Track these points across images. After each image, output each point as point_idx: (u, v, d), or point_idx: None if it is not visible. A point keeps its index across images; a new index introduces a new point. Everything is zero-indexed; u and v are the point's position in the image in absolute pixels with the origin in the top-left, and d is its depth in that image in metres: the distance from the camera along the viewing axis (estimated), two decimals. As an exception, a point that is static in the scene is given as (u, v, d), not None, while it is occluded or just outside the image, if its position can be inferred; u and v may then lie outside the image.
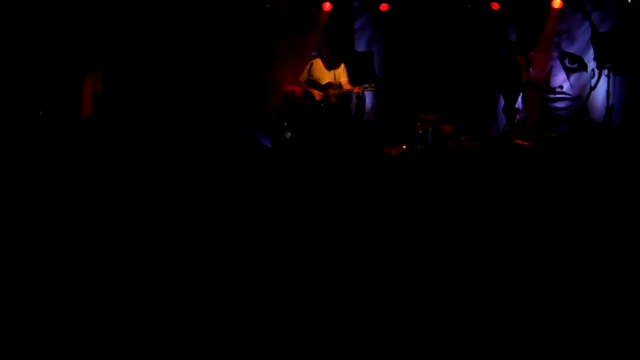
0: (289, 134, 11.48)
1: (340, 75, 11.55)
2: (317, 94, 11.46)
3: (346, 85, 11.46)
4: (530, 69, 12.72)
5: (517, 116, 12.52)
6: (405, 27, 13.37)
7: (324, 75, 11.52)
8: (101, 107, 11.70)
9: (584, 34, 12.87)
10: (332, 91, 11.44)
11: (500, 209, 4.01)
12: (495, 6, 12.94)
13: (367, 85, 11.40)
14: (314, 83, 11.53)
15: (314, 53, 11.78)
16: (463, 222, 3.90)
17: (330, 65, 11.48)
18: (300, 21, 13.68)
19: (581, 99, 12.99)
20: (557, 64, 13.06)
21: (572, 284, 3.44)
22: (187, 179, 4.46)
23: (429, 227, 3.85)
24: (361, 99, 13.07)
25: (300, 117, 11.58)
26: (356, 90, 11.38)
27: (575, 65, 12.97)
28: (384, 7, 13.48)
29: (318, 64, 11.58)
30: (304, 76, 11.66)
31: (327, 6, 13.64)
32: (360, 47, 14.23)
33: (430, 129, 11.40)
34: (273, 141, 11.74)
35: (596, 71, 12.70)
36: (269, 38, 13.65)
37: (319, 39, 12.67)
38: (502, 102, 12.91)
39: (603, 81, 12.34)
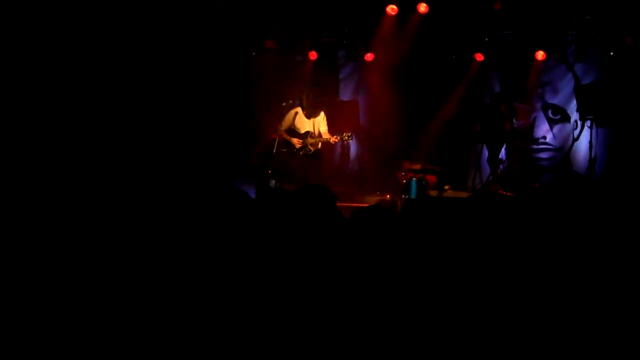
0: (273, 182, 11.46)
1: (320, 124, 11.49)
2: (296, 142, 11.45)
3: (325, 134, 11.38)
4: (514, 120, 12.81)
5: (501, 166, 12.57)
6: (390, 77, 13.46)
7: (304, 124, 11.48)
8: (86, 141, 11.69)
9: (567, 85, 13.00)
10: (310, 140, 11.41)
11: (483, 259, 4.00)
12: (479, 57, 13.06)
13: (345, 135, 11.35)
14: (294, 132, 11.51)
15: (297, 102, 11.78)
16: (446, 272, 3.90)
17: (310, 114, 11.44)
18: (286, 70, 13.75)
19: (564, 150, 13.08)
20: (541, 114, 13.17)
21: (554, 336, 3.44)
22: (169, 229, 4.44)
23: (412, 277, 3.84)
24: (346, 147, 13.14)
25: (284, 166, 11.55)
26: (333, 140, 11.31)
27: (559, 116, 13.08)
28: (369, 57, 13.57)
29: (298, 113, 11.56)
30: (284, 125, 11.65)
31: (313, 55, 13.74)
32: (345, 96, 14.33)
33: (414, 178, 11.41)
34: (257, 189, 11.72)
35: (579, 122, 12.80)
36: (254, 86, 13.71)
37: (304, 88, 12.71)
38: (485, 152, 12.97)
39: (586, 132, 12.44)
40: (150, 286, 3.71)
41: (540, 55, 12.68)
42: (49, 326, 3.39)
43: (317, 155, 11.50)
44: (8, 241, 3.97)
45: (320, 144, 11.38)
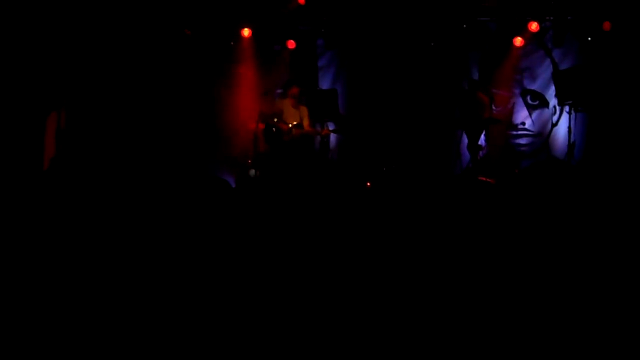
0: (252, 172, 11.45)
1: (304, 115, 11.68)
2: (283, 125, 11.56)
3: (307, 127, 11.56)
4: (493, 106, 12.83)
5: (480, 153, 12.58)
6: (369, 65, 13.44)
7: (290, 113, 11.60)
8: (64, 146, 11.63)
9: (545, 71, 13.02)
10: (295, 131, 11.50)
11: (464, 244, 4.01)
12: (458, 44, 13.07)
13: (325, 130, 11.58)
14: (279, 118, 11.60)
15: (278, 90, 11.82)
16: (427, 256, 3.90)
17: (296, 105, 11.62)
18: (264, 59, 13.71)
19: (543, 136, 13.10)
20: (519, 100, 13.18)
21: (529, 328, 3.45)
22: (150, 218, 4.42)
23: (394, 263, 3.84)
24: (326, 136, 13.13)
25: (264, 156, 11.59)
26: (324, 132, 11.54)
27: (537, 102, 13.10)
28: (347, 45, 13.53)
29: (285, 102, 11.65)
30: (272, 109, 11.75)
31: (291, 44, 13.68)
32: (324, 84, 14.27)
33: (394, 165, 11.43)
34: (237, 179, 11.72)
35: (557, 108, 12.83)
36: (232, 76, 13.66)
37: (283, 77, 12.71)
38: (465, 139, 12.98)
39: (564, 118, 12.47)
40: (136, 278, 3.69)
41: (518, 41, 12.69)
42: (48, 324, 3.37)
43: (302, 144, 11.63)
44: (7, 241, 3.95)
45: (307, 133, 11.57)
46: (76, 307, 3.57)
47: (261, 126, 11.78)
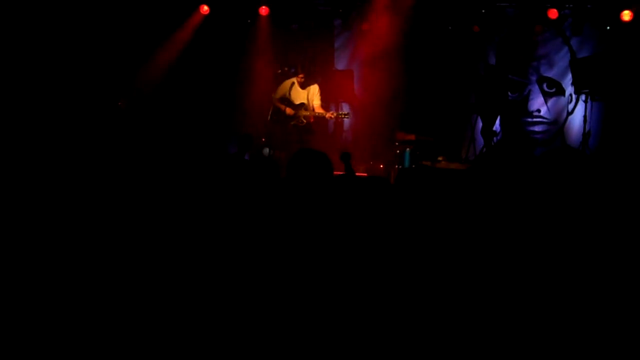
0: (266, 150, 11.46)
1: (314, 97, 11.50)
2: (288, 111, 11.45)
3: (318, 109, 11.41)
4: (509, 92, 12.80)
5: (494, 139, 12.57)
6: (386, 47, 13.40)
7: (299, 94, 11.51)
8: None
9: (562, 59, 12.97)
10: (303, 112, 11.41)
11: (476, 232, 4.01)
12: (476, 29, 13.01)
13: (342, 113, 11.41)
14: (288, 101, 11.52)
15: (292, 70, 11.77)
16: (440, 244, 3.90)
17: (305, 84, 11.46)
18: (281, 38, 13.69)
19: (558, 123, 13.08)
20: (535, 87, 13.15)
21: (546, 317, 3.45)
22: (169, 191, 4.44)
23: (406, 248, 3.84)
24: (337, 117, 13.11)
25: (275, 135, 11.56)
26: (328, 115, 11.36)
27: (553, 89, 13.06)
28: (365, 26, 13.48)
29: (294, 83, 11.57)
30: (279, 93, 11.66)
31: (309, 24, 13.66)
32: (340, 65, 14.25)
33: (407, 149, 11.41)
34: (251, 157, 11.73)
35: (574, 96, 12.80)
36: (249, 55, 13.66)
37: (299, 57, 12.66)
38: (480, 124, 12.96)
39: (580, 106, 12.45)
40: (146, 269, 3.71)
41: (537, 28, 12.63)
42: (48, 325, 3.38)
43: (309, 129, 11.51)
44: (6, 241, 3.96)
45: (313, 117, 11.40)
46: (78, 299, 3.58)
47: (267, 106, 11.78)
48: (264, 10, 13.38)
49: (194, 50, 13.37)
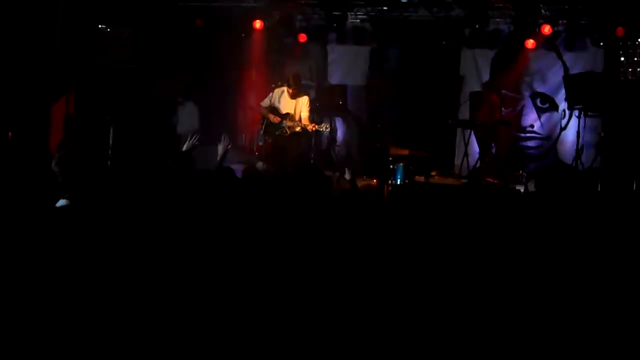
0: (260, 164, 11.41)
1: (302, 108, 11.42)
2: (272, 117, 11.40)
3: (304, 121, 11.32)
4: (502, 108, 12.82)
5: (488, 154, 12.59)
6: (380, 62, 13.44)
7: (287, 104, 11.44)
8: (72, 130, 11.65)
9: (556, 74, 12.99)
10: (288, 122, 11.37)
11: (469, 248, 3.99)
12: (471, 44, 13.04)
13: (323, 125, 11.35)
14: (275, 110, 11.48)
15: (285, 84, 11.73)
16: (435, 258, 3.88)
17: (295, 95, 11.41)
18: (275, 52, 13.71)
19: (551, 139, 13.09)
20: (529, 103, 13.17)
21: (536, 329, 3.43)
22: (154, 203, 4.41)
23: (399, 264, 3.82)
24: (333, 130, 13.11)
25: (267, 146, 11.51)
26: (311, 127, 11.27)
27: (547, 105, 13.08)
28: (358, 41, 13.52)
29: (284, 92, 11.51)
30: (266, 102, 11.63)
31: (302, 38, 13.68)
32: (334, 79, 14.27)
33: (401, 164, 11.39)
34: (243, 172, 11.69)
35: (567, 112, 12.81)
36: (244, 67, 13.67)
37: (293, 70, 12.64)
38: (473, 139, 12.96)
39: (574, 122, 12.46)
40: (140, 271, 3.69)
41: (530, 43, 12.65)
42: (48, 325, 3.36)
43: (294, 139, 11.45)
44: (6, 241, 3.94)
45: (298, 128, 11.32)
46: (84, 297, 3.56)
47: (259, 118, 11.74)
48: (258, 23, 13.40)
49: (187, 62, 13.37)
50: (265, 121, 11.55)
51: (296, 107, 11.41)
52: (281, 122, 11.36)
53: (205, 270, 3.69)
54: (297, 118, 11.37)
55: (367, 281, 3.61)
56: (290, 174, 4.51)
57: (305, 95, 11.57)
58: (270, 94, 11.60)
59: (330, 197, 4.43)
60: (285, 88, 11.51)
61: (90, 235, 3.78)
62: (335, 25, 13.61)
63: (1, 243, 3.61)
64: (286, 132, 11.37)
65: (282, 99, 11.47)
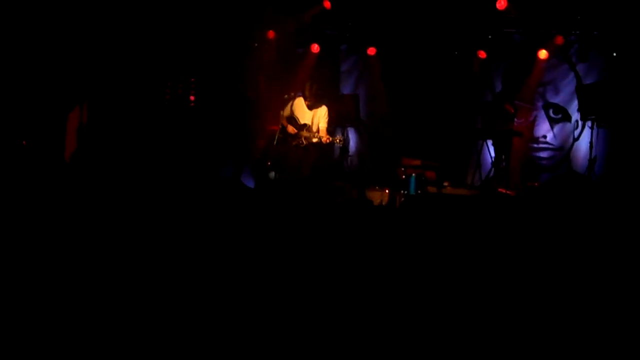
0: (272, 174, 11.41)
1: (320, 119, 11.35)
2: (290, 129, 11.37)
3: (322, 132, 11.26)
4: (515, 118, 12.80)
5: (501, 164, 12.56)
6: (392, 72, 13.44)
7: (304, 114, 11.40)
8: (86, 141, 11.69)
9: (568, 85, 12.98)
10: (305, 133, 11.32)
11: (483, 256, 3.99)
12: (482, 55, 13.03)
13: (337, 138, 11.24)
14: (293, 120, 11.46)
15: (298, 94, 11.71)
16: (446, 268, 3.89)
17: (312, 106, 11.38)
18: (287, 62, 13.73)
19: (564, 150, 13.06)
20: (542, 113, 13.15)
21: (550, 337, 3.42)
22: (169, 215, 4.43)
23: (411, 273, 3.83)
24: (345, 141, 13.09)
25: (281, 156, 11.47)
26: (325, 139, 11.18)
27: (559, 115, 13.06)
28: (371, 50, 13.54)
29: (300, 102, 11.47)
30: (286, 111, 11.60)
31: (315, 48, 13.71)
32: (346, 89, 14.29)
33: (413, 174, 11.38)
34: (256, 181, 11.69)
35: (580, 122, 12.79)
36: (256, 77, 13.69)
37: (306, 80, 12.62)
38: (485, 149, 12.95)
39: (586, 132, 12.43)
40: (148, 276, 3.70)
41: (542, 54, 12.64)
42: (49, 325, 3.38)
43: (310, 150, 11.40)
44: (8, 241, 3.97)
45: (315, 139, 11.26)
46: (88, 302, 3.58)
47: (276, 128, 11.70)
48: (271, 34, 13.44)
49: (200, 72, 13.40)
50: (282, 130, 11.52)
51: (314, 118, 11.37)
52: (298, 132, 11.34)
53: (207, 273, 3.72)
54: (314, 129, 11.33)
55: (376, 292, 3.62)
56: (297, 183, 4.54)
57: (323, 105, 11.51)
58: (291, 103, 11.57)
59: (335, 205, 4.46)
60: (301, 98, 11.49)
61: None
62: (347, 35, 13.66)
63: (12, 246, 3.64)
64: (302, 142, 11.34)
65: (300, 110, 11.44)
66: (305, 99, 11.40)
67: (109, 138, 12.04)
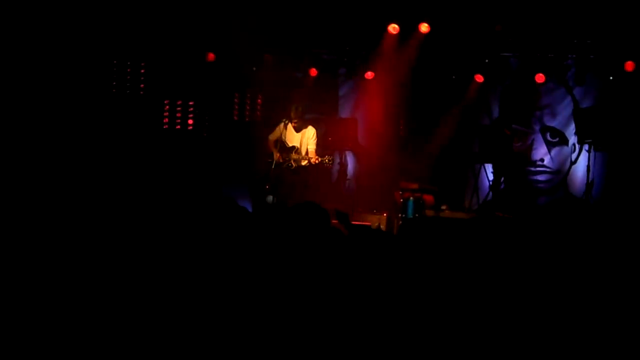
0: (270, 198, 11.39)
1: (309, 140, 11.29)
2: (276, 155, 11.29)
3: (311, 153, 11.19)
4: (512, 142, 12.84)
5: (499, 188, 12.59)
6: (389, 96, 13.47)
7: (292, 137, 11.35)
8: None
9: (565, 108, 13.03)
10: (294, 155, 11.29)
11: (481, 281, 4.00)
12: (479, 78, 13.06)
13: (326, 158, 11.15)
14: (281, 143, 11.39)
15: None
16: (444, 292, 3.89)
17: (299, 128, 11.34)
18: (286, 86, 13.75)
19: (561, 173, 13.10)
20: (539, 137, 13.19)
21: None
22: (168, 244, 4.44)
23: (410, 299, 3.83)
24: (343, 165, 13.11)
25: (277, 180, 11.42)
26: (314, 160, 11.10)
27: (557, 139, 13.10)
28: (369, 75, 13.57)
29: (288, 125, 11.39)
30: (274, 136, 11.56)
31: (313, 72, 13.75)
32: (344, 113, 14.32)
33: (411, 198, 11.40)
34: (254, 204, 11.69)
35: (577, 146, 12.83)
36: (255, 101, 13.73)
37: (304, 104, 12.62)
38: (483, 173, 12.98)
39: (583, 156, 12.46)
40: (148, 299, 3.70)
41: (539, 77, 12.69)
42: (49, 326, 3.39)
43: (300, 172, 11.33)
44: (8, 241, 3.97)
45: (304, 162, 11.20)
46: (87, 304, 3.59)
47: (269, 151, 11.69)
48: (269, 58, 13.49)
49: (198, 96, 13.46)
50: (270, 155, 11.50)
51: (302, 140, 11.33)
52: (287, 155, 11.31)
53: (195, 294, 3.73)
54: (303, 152, 11.29)
55: (374, 318, 3.62)
56: (289, 208, 4.55)
57: (310, 126, 11.45)
58: (278, 127, 11.52)
59: (328, 230, 4.46)
60: (287, 123, 11.39)
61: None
62: (345, 59, 13.71)
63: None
64: (292, 165, 11.29)
65: (288, 133, 11.37)
66: (291, 122, 11.33)
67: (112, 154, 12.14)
